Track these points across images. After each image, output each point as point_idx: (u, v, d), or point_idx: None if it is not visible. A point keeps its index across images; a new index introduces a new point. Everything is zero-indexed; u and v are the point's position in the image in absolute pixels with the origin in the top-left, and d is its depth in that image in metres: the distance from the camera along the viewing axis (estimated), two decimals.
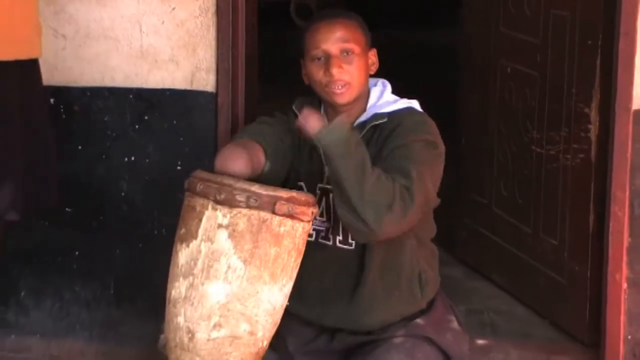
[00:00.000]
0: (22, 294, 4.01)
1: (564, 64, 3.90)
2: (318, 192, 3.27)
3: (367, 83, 3.37)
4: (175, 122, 3.83)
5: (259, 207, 3.03)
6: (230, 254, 3.05)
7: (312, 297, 3.39)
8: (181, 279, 3.11)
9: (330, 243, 3.36)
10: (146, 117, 3.84)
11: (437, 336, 3.37)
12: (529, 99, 4.12)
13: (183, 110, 3.82)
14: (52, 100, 3.86)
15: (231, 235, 3.05)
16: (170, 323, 3.14)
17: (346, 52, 3.28)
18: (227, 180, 3.09)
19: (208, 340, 3.08)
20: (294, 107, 3.40)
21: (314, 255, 3.22)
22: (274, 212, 3.04)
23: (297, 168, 3.33)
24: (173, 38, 3.80)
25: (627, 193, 3.57)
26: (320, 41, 3.29)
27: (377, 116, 3.32)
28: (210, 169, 3.31)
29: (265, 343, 3.15)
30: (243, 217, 3.04)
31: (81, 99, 3.86)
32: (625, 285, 3.61)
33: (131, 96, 3.84)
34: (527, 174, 4.15)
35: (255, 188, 3.04)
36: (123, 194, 3.90)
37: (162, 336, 3.29)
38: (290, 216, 3.05)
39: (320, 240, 3.35)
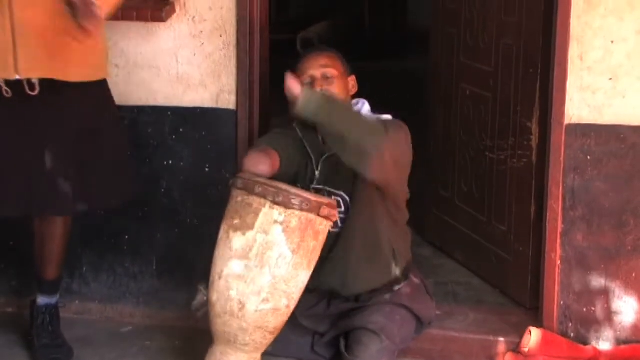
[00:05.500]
0: (84, 268, 3.98)
1: (511, 87, 3.89)
2: (312, 191, 3.30)
3: (348, 101, 3.38)
4: (204, 133, 3.80)
5: (309, 210, 3.09)
6: (282, 245, 3.10)
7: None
8: (236, 260, 3.12)
9: None
10: (181, 129, 3.82)
11: (411, 303, 3.45)
12: (483, 114, 4.08)
13: (210, 123, 3.80)
14: None
15: (285, 230, 3.09)
16: (222, 295, 3.13)
17: (327, 76, 3.32)
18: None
19: (256, 311, 3.13)
20: (294, 124, 3.43)
21: None
22: (318, 214, 3.10)
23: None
24: (202, 67, 3.77)
25: (561, 189, 3.55)
26: (307, 69, 3.36)
27: None
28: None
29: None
30: (295, 217, 3.09)
31: (130, 114, 3.83)
32: (558, 262, 3.59)
33: (169, 113, 3.82)
34: (482, 174, 4.12)
35: (307, 195, 3.12)
36: (163, 190, 3.87)
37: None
38: (327, 217, 3.14)
39: None
